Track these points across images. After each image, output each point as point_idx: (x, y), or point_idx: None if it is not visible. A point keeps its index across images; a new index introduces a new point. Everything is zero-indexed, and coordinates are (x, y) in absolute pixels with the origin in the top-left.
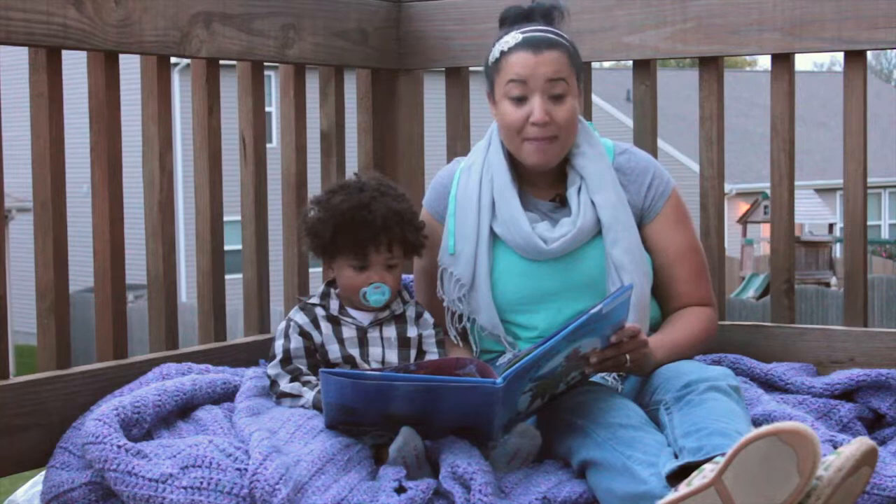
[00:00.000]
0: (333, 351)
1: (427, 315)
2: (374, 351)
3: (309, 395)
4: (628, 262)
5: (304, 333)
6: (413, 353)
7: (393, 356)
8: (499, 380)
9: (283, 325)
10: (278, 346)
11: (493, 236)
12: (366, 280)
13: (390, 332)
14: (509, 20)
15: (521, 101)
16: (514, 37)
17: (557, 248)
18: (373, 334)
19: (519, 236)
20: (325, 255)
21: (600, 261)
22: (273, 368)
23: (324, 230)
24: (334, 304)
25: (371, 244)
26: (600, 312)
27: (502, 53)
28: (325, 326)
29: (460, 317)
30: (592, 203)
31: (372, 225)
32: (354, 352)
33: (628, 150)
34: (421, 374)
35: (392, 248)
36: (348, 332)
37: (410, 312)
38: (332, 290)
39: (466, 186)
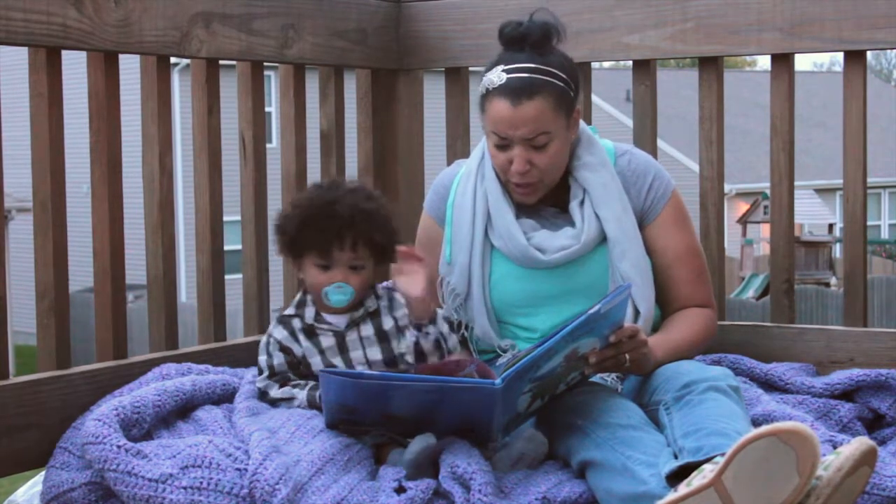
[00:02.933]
0: (316, 363)
1: (397, 295)
2: (356, 354)
3: (301, 394)
4: (636, 276)
5: (284, 349)
6: (395, 343)
7: (375, 353)
8: (498, 381)
9: (263, 340)
10: (262, 361)
11: (490, 244)
12: (329, 280)
13: (367, 329)
14: (504, 38)
15: (503, 147)
16: (498, 75)
17: (557, 260)
18: (351, 337)
19: (515, 248)
20: (292, 253)
21: (602, 265)
22: (262, 382)
23: (290, 225)
24: (310, 312)
25: (335, 240)
26: (598, 312)
27: (487, 91)
28: (304, 339)
29: (459, 324)
30: (596, 216)
31: (336, 219)
32: (337, 360)
33: (629, 151)
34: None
35: (357, 248)
36: (327, 342)
37: (384, 303)
38: (308, 298)
39: (463, 195)
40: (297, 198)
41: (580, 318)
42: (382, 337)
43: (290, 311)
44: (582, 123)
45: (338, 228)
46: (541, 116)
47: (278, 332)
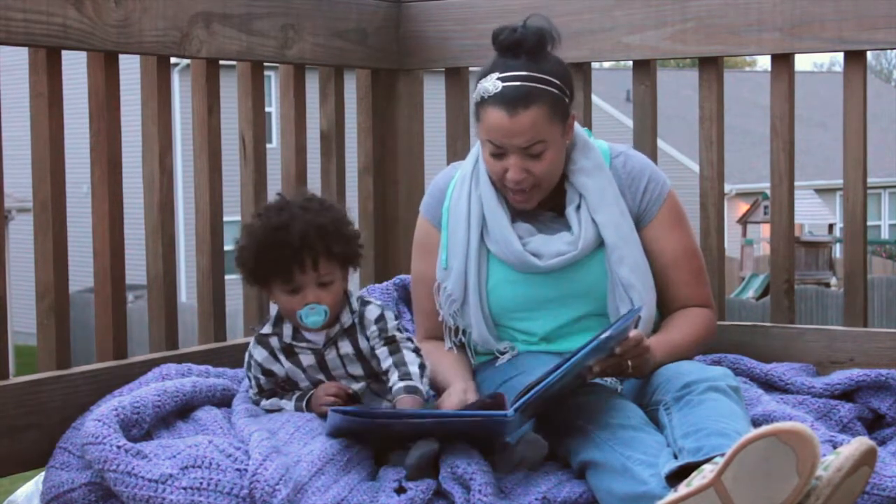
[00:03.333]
0: (301, 381)
1: (368, 310)
2: (338, 373)
3: (289, 405)
4: (636, 281)
5: (266, 371)
6: (374, 363)
7: (356, 369)
8: (510, 412)
9: (246, 359)
10: (249, 377)
11: (486, 248)
12: (302, 302)
13: (346, 347)
14: (499, 45)
15: (499, 156)
16: (493, 83)
17: (554, 265)
18: (330, 355)
19: (511, 254)
20: (257, 282)
21: (599, 269)
22: (253, 396)
23: (247, 257)
24: (287, 330)
25: (295, 265)
26: (610, 337)
27: (482, 100)
28: (284, 359)
29: (456, 330)
30: (593, 220)
31: (290, 245)
32: (320, 377)
33: (624, 152)
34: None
35: (319, 266)
36: (307, 360)
37: (357, 319)
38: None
39: (458, 200)
40: (249, 225)
41: (592, 344)
42: (361, 357)
43: (267, 329)
44: (577, 126)
45: (294, 253)
46: (537, 125)
47: (258, 354)
